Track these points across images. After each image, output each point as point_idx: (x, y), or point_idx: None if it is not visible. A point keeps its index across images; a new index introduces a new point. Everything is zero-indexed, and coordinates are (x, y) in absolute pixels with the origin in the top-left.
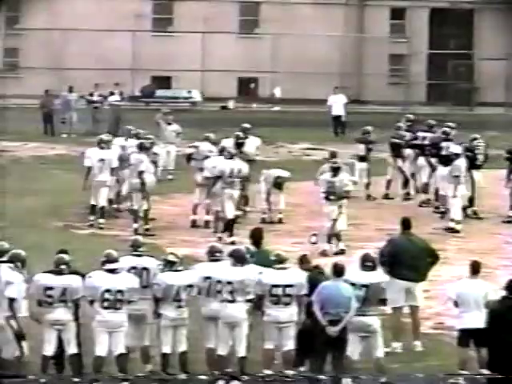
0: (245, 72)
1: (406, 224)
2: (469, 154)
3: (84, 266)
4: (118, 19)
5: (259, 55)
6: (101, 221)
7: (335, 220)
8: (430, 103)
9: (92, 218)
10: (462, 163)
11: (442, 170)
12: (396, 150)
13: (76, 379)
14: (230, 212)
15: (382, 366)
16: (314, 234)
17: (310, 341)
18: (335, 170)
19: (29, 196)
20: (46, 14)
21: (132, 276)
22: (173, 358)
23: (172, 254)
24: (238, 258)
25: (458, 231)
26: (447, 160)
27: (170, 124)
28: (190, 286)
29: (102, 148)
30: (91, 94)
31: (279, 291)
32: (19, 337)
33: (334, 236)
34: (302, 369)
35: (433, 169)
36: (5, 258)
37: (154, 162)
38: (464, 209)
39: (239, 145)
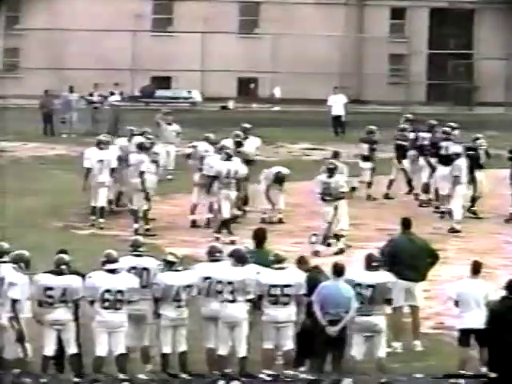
0: (245, 72)
1: (406, 224)
2: (471, 154)
3: (84, 266)
4: (117, 19)
5: (259, 55)
6: (101, 220)
7: (330, 223)
8: (429, 103)
9: (93, 218)
10: (462, 163)
11: (442, 170)
12: (400, 152)
13: (76, 379)
14: (227, 212)
15: (383, 366)
16: (315, 234)
17: (310, 341)
18: (331, 171)
19: (29, 196)
20: (45, 13)
21: (132, 276)
22: (173, 358)
23: (171, 254)
24: (239, 258)
25: (458, 231)
26: (447, 160)
27: (169, 124)
28: (190, 286)
29: (101, 149)
30: (91, 94)
31: (277, 291)
32: (21, 338)
33: (330, 237)
34: (302, 369)
35: (432, 169)
36: (5, 259)
37: (155, 162)
38: (468, 209)
39: (238, 144)
